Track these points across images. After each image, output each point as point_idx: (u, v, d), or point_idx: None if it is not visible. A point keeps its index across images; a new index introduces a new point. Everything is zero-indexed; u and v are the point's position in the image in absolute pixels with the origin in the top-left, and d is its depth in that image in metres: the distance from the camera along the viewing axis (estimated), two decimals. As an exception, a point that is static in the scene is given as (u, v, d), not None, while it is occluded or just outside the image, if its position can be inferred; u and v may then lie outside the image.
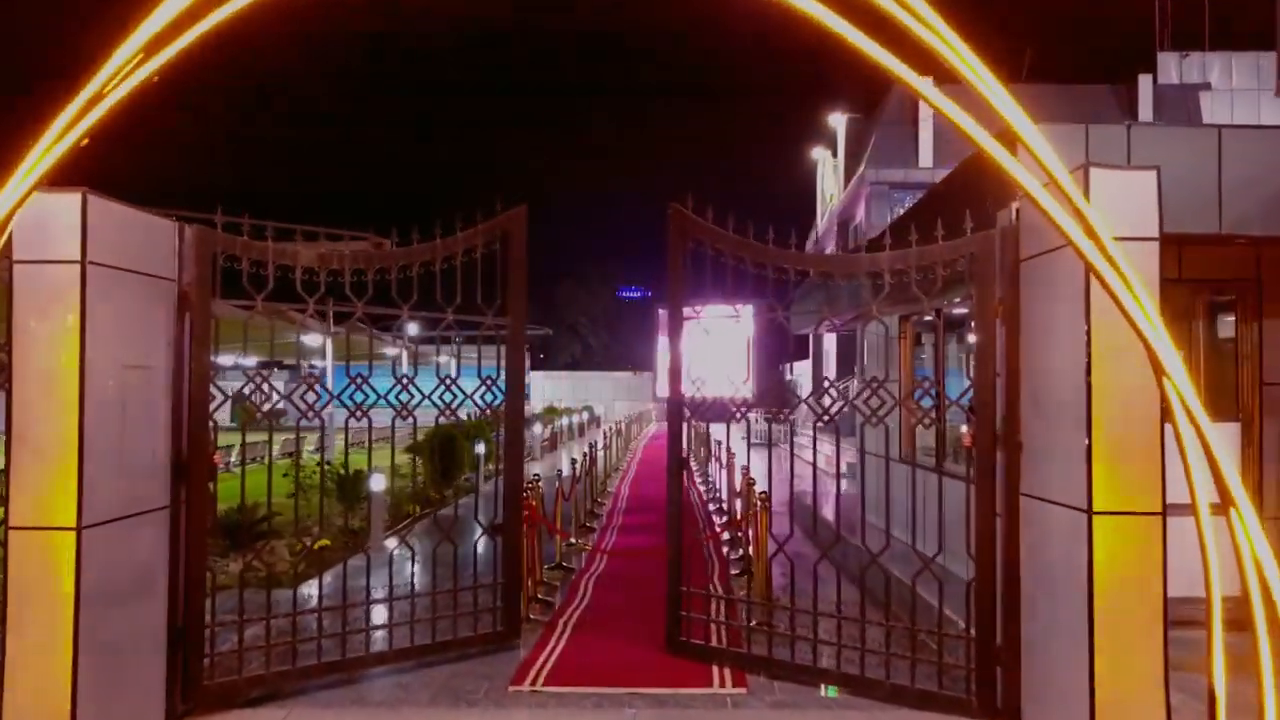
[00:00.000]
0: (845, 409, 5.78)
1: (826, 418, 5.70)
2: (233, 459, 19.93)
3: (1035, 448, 5.16)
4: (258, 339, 20.34)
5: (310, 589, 8.18)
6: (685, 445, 6.65)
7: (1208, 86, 29.13)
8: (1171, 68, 30.33)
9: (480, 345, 6.74)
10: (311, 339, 21.07)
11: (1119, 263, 3.33)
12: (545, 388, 51.34)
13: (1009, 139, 5.83)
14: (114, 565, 4.88)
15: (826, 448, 21.52)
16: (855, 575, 6.38)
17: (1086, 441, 4.52)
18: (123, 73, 3.09)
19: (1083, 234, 3.32)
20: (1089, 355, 4.56)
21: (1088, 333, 4.56)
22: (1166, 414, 4.50)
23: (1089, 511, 4.50)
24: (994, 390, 5.44)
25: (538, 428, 26.09)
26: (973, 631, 5.51)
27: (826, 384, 5.93)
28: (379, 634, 6.58)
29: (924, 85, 3.34)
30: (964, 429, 7.45)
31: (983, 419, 5.45)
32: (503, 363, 6.72)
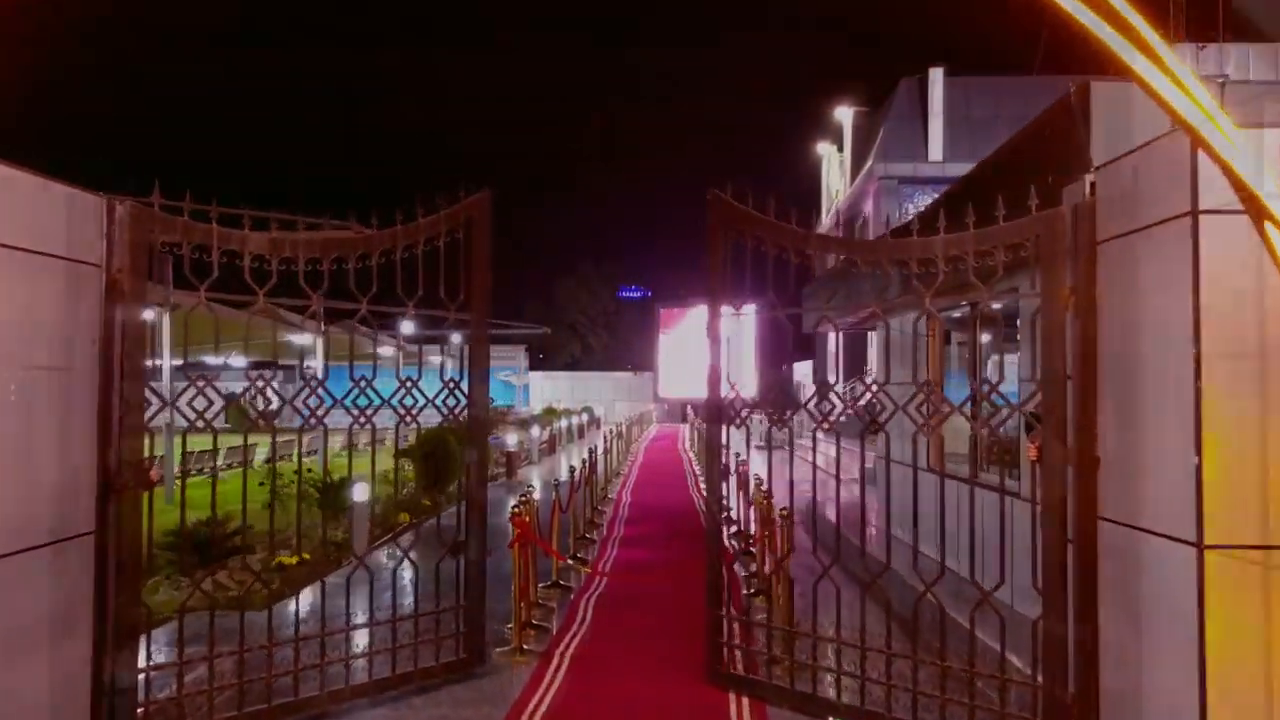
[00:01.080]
0: (893, 415, 4.98)
1: (875, 425, 4.92)
2: (219, 463, 19.26)
3: (1117, 464, 4.34)
4: (253, 337, 19.60)
5: (279, 614, 7.39)
6: (725, 457, 6.02)
7: (1226, 78, 28.33)
8: (1187, 60, 29.52)
9: (443, 345, 6.08)
10: (300, 337, 20.30)
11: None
12: (544, 388, 50.39)
13: (1078, 109, 5.05)
14: (17, 608, 4.07)
15: (830, 449, 20.67)
16: (882, 597, 5.66)
17: (1196, 460, 3.71)
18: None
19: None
20: (1198, 354, 3.74)
21: (1196, 328, 3.75)
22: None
23: (1199, 545, 3.69)
24: (1064, 394, 4.63)
25: (535, 430, 25.27)
26: (1040, 678, 4.71)
27: (875, 387, 5.15)
28: (337, 668, 5.78)
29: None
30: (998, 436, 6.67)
31: (1051, 428, 4.64)
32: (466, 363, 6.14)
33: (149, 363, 4.83)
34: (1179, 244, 3.85)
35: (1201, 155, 3.72)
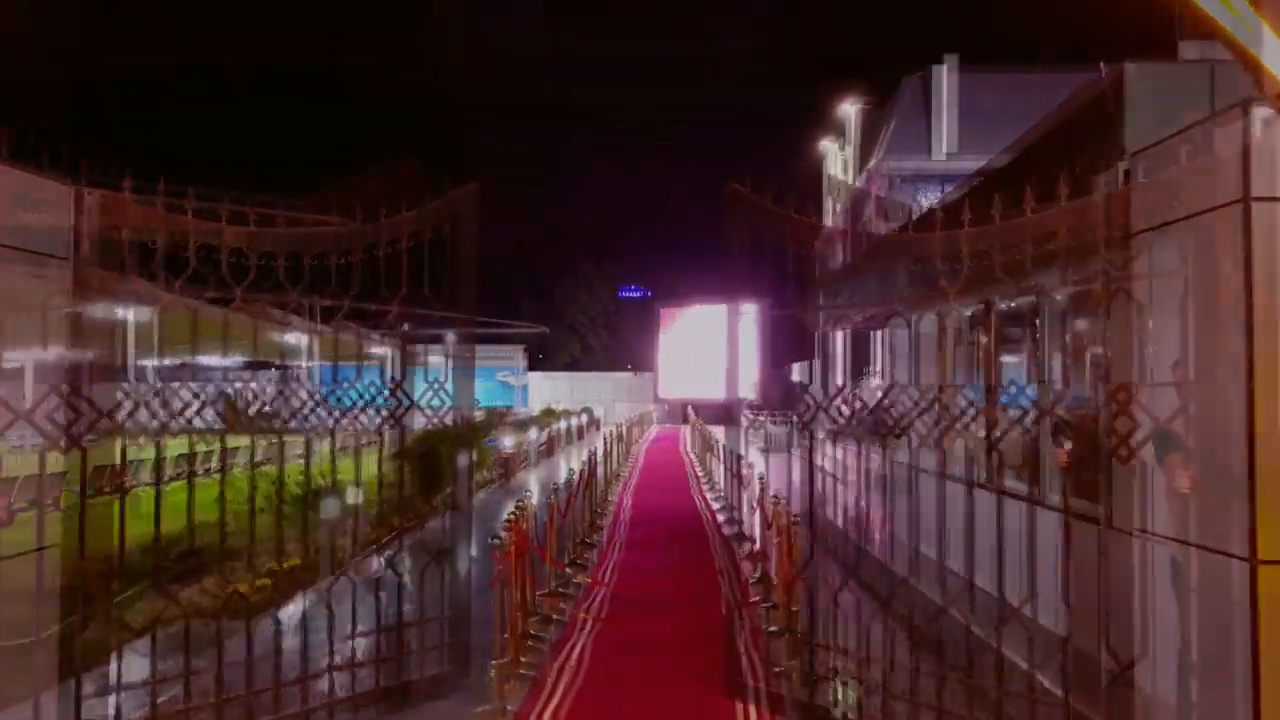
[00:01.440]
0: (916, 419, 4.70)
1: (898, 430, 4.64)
2: (213, 464, 19.01)
3: (1159, 472, 4.06)
4: (233, 336, 19.26)
5: (262, 625, 7.12)
6: (742, 459, 5.80)
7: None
8: (1193, 56, 29.27)
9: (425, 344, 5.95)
10: (288, 336, 20.01)
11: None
12: (543, 389, 50.02)
13: (1111, 94, 4.76)
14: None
15: (833, 451, 20.38)
16: (894, 607, 5.42)
17: (1248, 470, 3.42)
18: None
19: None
20: (1250, 353, 3.46)
21: (1249, 325, 3.46)
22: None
23: (1253, 561, 3.40)
24: (1096, 397, 4.34)
25: (534, 432, 24.95)
26: (1069, 697, 4.42)
27: (898, 389, 4.88)
28: (319, 683, 5.52)
29: None
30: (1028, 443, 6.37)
31: (1083, 433, 4.36)
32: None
33: (143, 363, 4.59)
34: (1228, 234, 3.57)
35: (1255, 139, 3.45)
